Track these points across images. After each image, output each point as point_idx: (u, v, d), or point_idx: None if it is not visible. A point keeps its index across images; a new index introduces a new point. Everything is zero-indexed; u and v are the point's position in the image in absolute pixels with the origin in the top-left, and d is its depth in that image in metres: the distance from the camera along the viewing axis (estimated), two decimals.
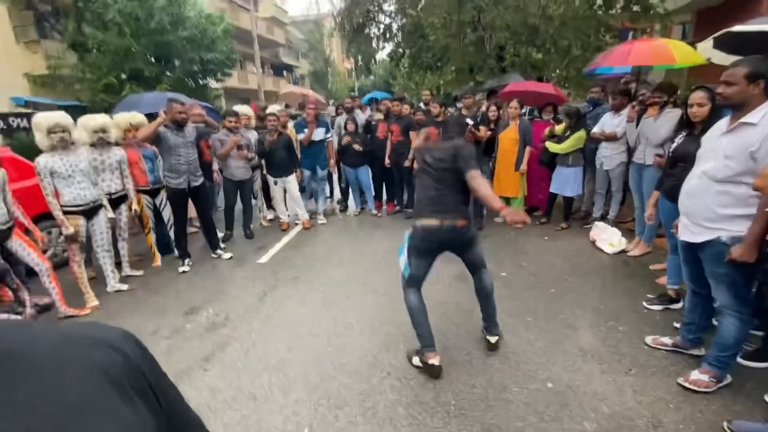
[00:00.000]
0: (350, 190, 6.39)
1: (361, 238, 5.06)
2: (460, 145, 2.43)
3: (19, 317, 2.82)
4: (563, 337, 2.73)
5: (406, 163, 5.60)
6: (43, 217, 3.88)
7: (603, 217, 4.81)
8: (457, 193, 2.41)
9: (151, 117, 4.73)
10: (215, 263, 4.43)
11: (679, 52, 3.43)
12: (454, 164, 2.36)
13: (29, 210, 3.41)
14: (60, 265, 4.07)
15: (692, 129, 2.58)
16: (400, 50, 10.31)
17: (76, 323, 0.44)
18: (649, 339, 2.62)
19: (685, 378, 2.22)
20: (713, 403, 2.09)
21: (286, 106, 8.27)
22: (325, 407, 2.19)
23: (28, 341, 0.39)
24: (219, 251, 4.57)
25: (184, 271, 4.18)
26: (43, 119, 3.26)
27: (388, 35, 10.17)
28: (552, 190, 4.95)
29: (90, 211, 3.52)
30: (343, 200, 6.67)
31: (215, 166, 5.21)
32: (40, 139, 3.28)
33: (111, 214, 3.73)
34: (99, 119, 3.72)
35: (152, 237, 4.44)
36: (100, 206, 3.61)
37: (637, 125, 3.79)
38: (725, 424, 1.93)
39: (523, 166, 4.85)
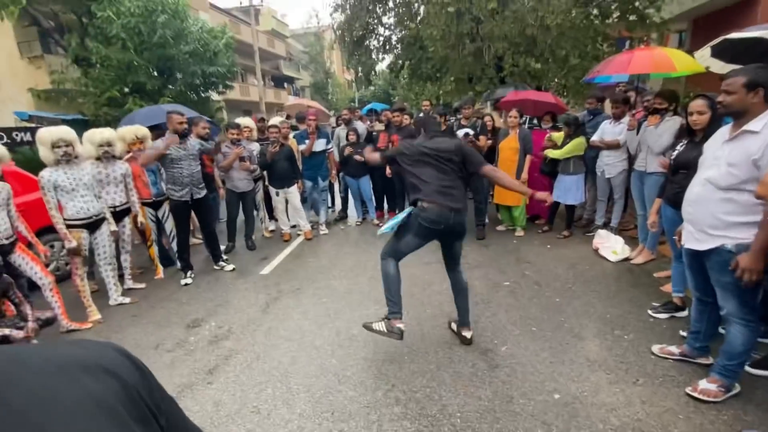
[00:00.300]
0: (349, 201, 6.41)
1: (364, 249, 5.05)
2: (462, 144, 2.74)
3: (21, 332, 2.80)
4: (569, 346, 2.71)
5: None
6: (46, 230, 3.89)
7: (605, 225, 4.81)
8: (462, 186, 2.67)
9: (153, 129, 4.78)
10: (218, 275, 4.42)
11: (679, 61, 3.46)
12: (463, 161, 2.62)
13: (32, 224, 3.42)
14: (62, 278, 4.07)
15: (693, 137, 2.59)
16: (400, 61, 10.41)
17: (67, 342, 0.42)
18: (655, 348, 2.59)
19: (693, 388, 2.19)
20: (723, 413, 2.06)
21: (287, 117, 8.32)
22: (329, 421, 2.17)
23: (8, 377, 0.36)
24: (221, 263, 4.56)
25: (186, 284, 4.17)
26: (47, 134, 3.29)
27: (387, 47, 10.28)
28: (554, 198, 4.95)
29: (93, 225, 3.53)
30: (342, 210, 6.69)
31: (218, 179, 5.24)
32: (44, 153, 3.30)
33: (114, 227, 3.73)
34: (104, 133, 3.76)
35: (155, 249, 4.44)
36: (103, 219, 3.62)
37: (637, 133, 3.81)
38: None
39: (524, 175, 4.86)
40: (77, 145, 3.42)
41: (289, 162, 5.21)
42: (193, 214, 4.36)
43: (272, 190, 5.41)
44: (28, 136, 10.06)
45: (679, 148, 2.65)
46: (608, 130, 4.41)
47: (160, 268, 4.45)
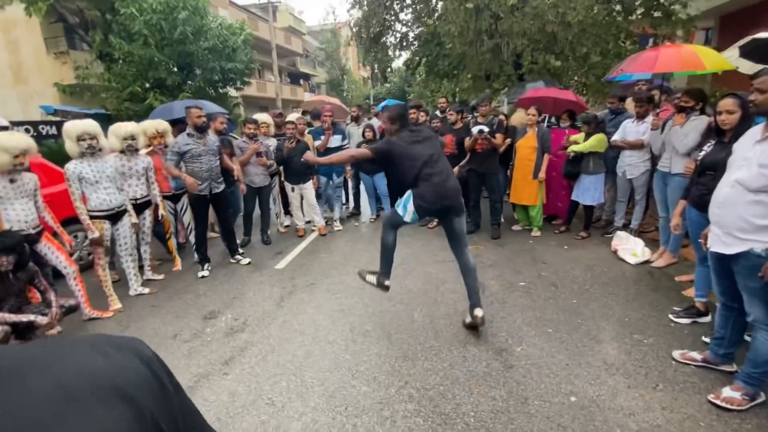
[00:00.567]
0: (361, 197, 6.43)
1: (377, 246, 4.98)
2: (432, 135, 3.08)
3: (45, 318, 2.89)
4: (586, 349, 2.66)
5: None
6: (70, 221, 4.01)
7: (625, 227, 4.70)
8: (450, 168, 3.02)
9: (176, 124, 4.87)
10: (234, 268, 4.49)
11: (708, 58, 3.33)
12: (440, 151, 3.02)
13: (57, 214, 3.51)
14: (84, 268, 4.18)
15: (721, 137, 2.51)
16: (417, 58, 10.35)
17: (89, 344, 0.39)
18: (676, 353, 2.53)
19: (716, 395, 2.13)
20: (747, 422, 2.00)
21: (304, 113, 8.37)
22: (343, 415, 2.18)
23: (2, 405, 0.31)
24: (237, 256, 4.63)
25: (203, 276, 4.25)
26: (72, 127, 3.38)
27: (404, 44, 10.22)
28: (572, 198, 4.86)
29: (115, 216, 3.62)
30: (355, 207, 6.71)
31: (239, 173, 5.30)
32: (70, 146, 3.39)
33: (135, 219, 3.82)
34: (129, 127, 3.85)
35: (173, 241, 4.53)
36: (125, 211, 3.71)
37: (661, 132, 3.70)
38: None
39: (542, 174, 4.79)
40: (101, 138, 3.50)
41: None
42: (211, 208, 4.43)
43: (288, 186, 5.45)
44: (53, 130, 10.37)
45: (707, 148, 2.56)
46: (631, 130, 4.30)
47: (179, 260, 4.53)
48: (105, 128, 3.76)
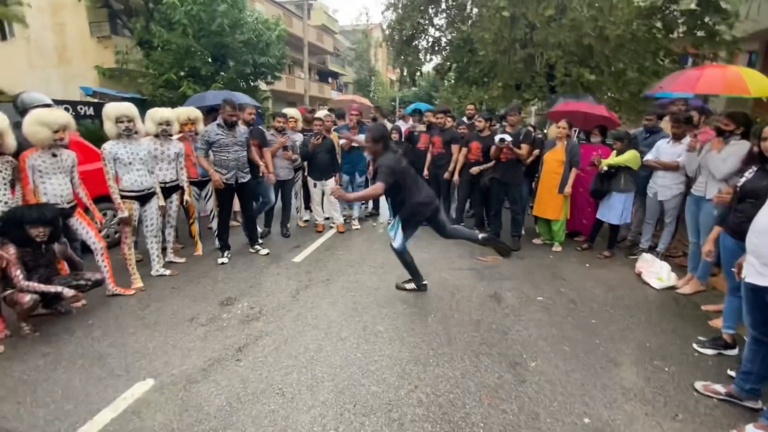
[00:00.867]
0: (380, 198, 6.41)
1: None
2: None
3: (71, 290, 3.00)
4: (604, 371, 2.59)
5: (446, 176, 5.56)
6: (99, 199, 4.14)
7: (651, 249, 4.56)
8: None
9: (210, 112, 4.99)
10: (252, 258, 4.56)
11: (754, 82, 3.20)
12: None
13: (89, 191, 3.63)
14: (109, 246, 4.31)
15: (765, 164, 2.40)
16: (448, 63, 10.31)
17: None
18: (699, 385, 2.43)
19: (738, 431, 2.04)
20: None
21: (330, 110, 8.46)
22: (351, 413, 2.18)
23: None
24: (257, 246, 4.70)
25: (222, 263, 4.33)
26: (112, 109, 3.51)
27: (436, 48, 10.20)
28: (598, 216, 4.75)
29: (144, 197, 3.73)
30: (374, 207, 6.72)
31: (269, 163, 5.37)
32: (108, 127, 3.51)
33: (162, 202, 3.92)
34: (165, 113, 3.96)
35: (196, 227, 4.64)
36: (154, 194, 3.82)
37: (698, 155, 3.58)
38: None
39: (568, 188, 4.69)
40: (138, 121, 3.62)
41: (329, 155, 5.28)
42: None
43: (310, 181, 5.51)
44: (90, 110, 10.76)
45: (748, 175, 2.46)
46: (665, 150, 4.17)
47: (200, 245, 4.64)
48: (140, 112, 3.88)
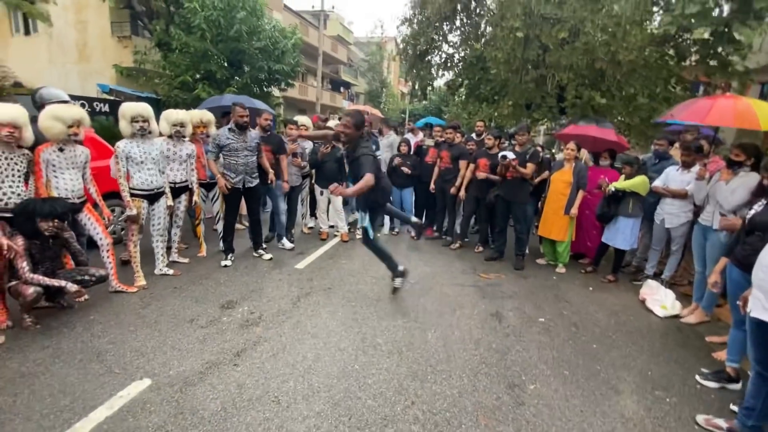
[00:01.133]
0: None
1: (398, 260, 5.03)
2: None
3: (75, 285, 3.02)
4: (603, 398, 2.55)
5: (452, 191, 5.58)
6: (107, 196, 4.19)
7: (655, 276, 4.51)
8: None
9: (225, 115, 5.05)
10: (255, 262, 4.57)
11: (764, 116, 3.20)
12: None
13: (98, 188, 3.68)
14: (115, 243, 4.35)
15: None
16: (459, 80, 10.40)
17: None
18: (700, 418, 2.39)
19: None
20: None
21: (340, 119, 8.56)
22: (346, 425, 2.16)
23: None
24: (261, 251, 4.72)
25: (226, 265, 4.35)
26: (128, 108, 3.58)
27: (449, 64, 10.30)
28: (604, 239, 4.72)
29: (153, 197, 3.77)
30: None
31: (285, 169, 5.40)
32: (124, 125, 3.58)
33: (170, 202, 3.96)
34: (180, 114, 4.03)
35: (201, 228, 4.67)
36: (163, 193, 3.86)
37: (707, 184, 3.57)
38: None
39: (574, 210, 4.68)
40: (152, 121, 3.68)
41: (337, 164, 5.32)
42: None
43: (317, 189, 5.55)
44: (106, 107, 10.93)
45: (758, 207, 2.45)
46: (674, 178, 4.16)
47: (204, 246, 4.66)
48: (154, 112, 3.94)
